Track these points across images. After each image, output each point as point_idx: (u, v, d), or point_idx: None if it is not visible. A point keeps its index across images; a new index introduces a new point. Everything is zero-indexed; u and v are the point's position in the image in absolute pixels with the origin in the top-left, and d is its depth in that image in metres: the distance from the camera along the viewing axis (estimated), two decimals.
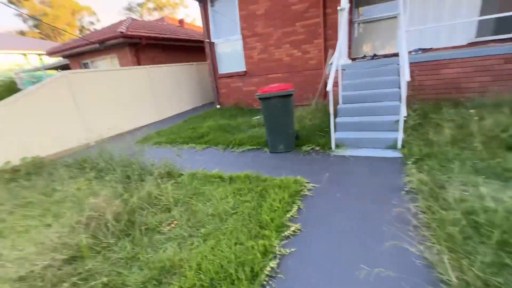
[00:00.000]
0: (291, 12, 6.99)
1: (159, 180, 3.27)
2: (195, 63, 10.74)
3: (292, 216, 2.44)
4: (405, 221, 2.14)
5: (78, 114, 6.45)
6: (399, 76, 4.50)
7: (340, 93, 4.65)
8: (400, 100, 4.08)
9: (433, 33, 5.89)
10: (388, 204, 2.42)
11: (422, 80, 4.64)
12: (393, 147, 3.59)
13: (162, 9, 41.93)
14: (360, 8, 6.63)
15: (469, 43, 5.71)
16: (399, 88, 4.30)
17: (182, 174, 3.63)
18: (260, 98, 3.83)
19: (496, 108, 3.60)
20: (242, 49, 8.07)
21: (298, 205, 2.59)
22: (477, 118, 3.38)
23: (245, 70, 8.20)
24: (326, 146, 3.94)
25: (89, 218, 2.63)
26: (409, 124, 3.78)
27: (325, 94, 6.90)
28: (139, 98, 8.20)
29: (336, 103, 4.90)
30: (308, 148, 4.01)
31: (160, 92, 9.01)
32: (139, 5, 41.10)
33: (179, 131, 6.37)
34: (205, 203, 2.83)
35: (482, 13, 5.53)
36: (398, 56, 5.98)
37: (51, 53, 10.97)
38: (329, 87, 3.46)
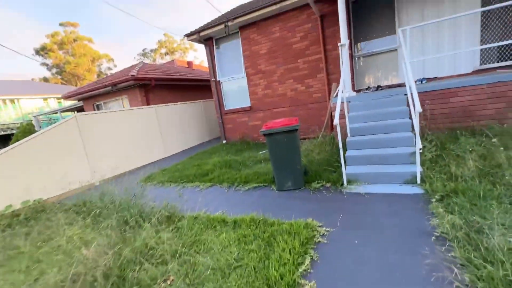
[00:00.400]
0: (292, 50, 7.27)
1: (158, 226, 3.02)
2: (202, 100, 11.08)
3: (305, 270, 2.09)
4: (442, 279, 1.77)
5: (86, 154, 6.48)
6: (407, 106, 4.37)
7: (348, 126, 4.50)
8: (412, 130, 3.88)
9: (436, 62, 5.90)
10: (417, 254, 2.07)
11: (433, 109, 4.47)
12: (412, 182, 3.28)
13: (173, 53, 45.48)
14: (359, 44, 6.84)
15: (474, 71, 5.65)
16: (410, 118, 4.13)
17: (183, 218, 3.37)
18: (264, 134, 3.70)
19: None
20: (246, 86, 8.29)
21: (311, 256, 2.25)
22: (502, 147, 3.10)
23: (250, 105, 8.31)
24: (338, 182, 3.66)
25: (76, 274, 2.35)
26: (427, 156, 3.51)
27: (331, 127, 6.79)
28: (147, 136, 8.29)
29: (344, 135, 4.74)
30: (318, 185, 3.74)
31: (167, 129, 9.15)
32: (152, 50, 44.81)
33: (184, 168, 6.23)
34: (206, 253, 2.52)
35: (483, 41, 5.56)
36: (402, 86, 5.97)
37: (66, 97, 11.62)
38: (336, 120, 3.32)
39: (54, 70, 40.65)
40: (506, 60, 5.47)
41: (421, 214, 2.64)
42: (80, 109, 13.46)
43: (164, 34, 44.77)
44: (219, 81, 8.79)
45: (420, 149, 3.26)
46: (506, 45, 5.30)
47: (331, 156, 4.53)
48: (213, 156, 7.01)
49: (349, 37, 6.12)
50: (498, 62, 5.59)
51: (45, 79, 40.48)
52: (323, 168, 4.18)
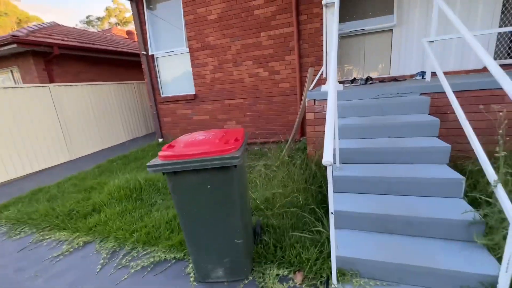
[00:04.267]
0: (253, 18, 5.11)
1: None
2: (135, 82, 8.33)
3: None
4: None
5: None
6: (431, 114, 2.64)
7: (335, 144, 2.62)
8: (450, 162, 2.15)
9: (441, 52, 4.32)
10: None
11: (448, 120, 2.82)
12: None
13: (125, 24, 39.13)
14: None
15: (485, 67, 4.18)
16: (438, 137, 2.39)
17: None
18: (167, 173, 1.58)
19: None
20: (190, 66, 5.94)
21: None
22: None
23: (194, 93, 6.02)
24: (320, 273, 1.76)
25: None
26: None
27: (301, 131, 4.94)
28: (33, 131, 5.48)
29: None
30: (275, 282, 1.79)
31: (75, 120, 6.37)
32: (99, 19, 37.94)
33: (68, 191, 3.81)
34: None
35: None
36: (399, 80, 4.31)
37: None
38: (327, 158, 1.31)
39: None
40: None
41: None
42: None
43: (112, 1, 38.18)
44: (152, 55, 6.25)
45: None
46: None
47: (304, 192, 2.64)
48: (128, 167, 4.66)
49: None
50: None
51: None
52: (290, 224, 2.26)
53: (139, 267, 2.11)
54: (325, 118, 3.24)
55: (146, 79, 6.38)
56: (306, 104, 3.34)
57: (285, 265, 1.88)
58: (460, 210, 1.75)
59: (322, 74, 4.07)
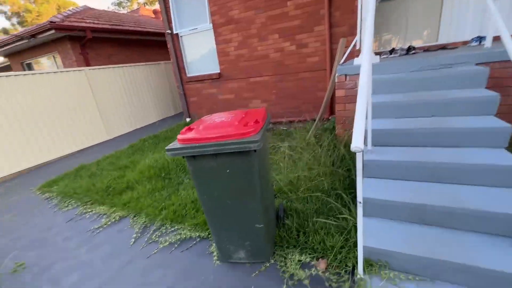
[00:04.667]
0: None
1: None
2: (162, 62, 8.44)
3: None
4: None
5: None
6: (488, 88, 2.23)
7: (367, 125, 2.38)
8: (507, 143, 1.82)
9: (506, 16, 3.55)
10: None
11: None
12: None
13: (154, 4, 39.29)
14: None
15: None
16: (495, 115, 2.02)
17: None
18: (186, 157, 1.56)
19: None
20: (214, 43, 5.78)
21: None
22: None
23: (219, 71, 5.91)
24: (344, 262, 1.68)
25: None
26: None
27: (330, 109, 4.63)
28: (75, 112, 5.94)
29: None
30: (297, 268, 1.74)
31: (109, 101, 6.76)
32: None
33: (106, 169, 4.12)
34: None
35: None
36: (448, 49, 3.70)
37: None
38: (356, 143, 1.14)
39: (15, 20, 34.94)
40: None
41: None
42: (5, 69, 10.52)
43: None
44: (177, 34, 6.19)
45: None
46: None
47: (331, 176, 2.49)
48: (158, 147, 4.87)
49: None
50: None
51: (5, 31, 34.94)
52: (315, 209, 2.17)
53: (167, 243, 2.23)
54: (356, 95, 2.98)
55: (172, 58, 6.40)
56: (336, 80, 3.05)
57: (307, 251, 1.82)
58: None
59: (355, 45, 3.65)
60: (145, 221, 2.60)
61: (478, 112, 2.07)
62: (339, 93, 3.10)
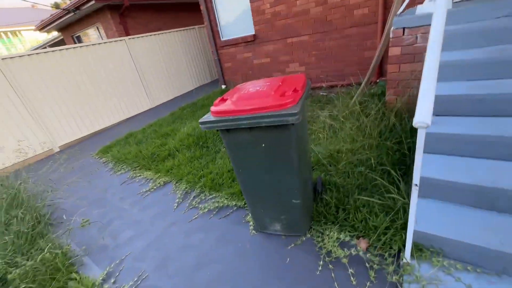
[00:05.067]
0: None
1: None
2: (196, 26, 8.22)
3: None
4: None
5: (30, 114, 4.87)
6: None
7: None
8: None
9: None
10: None
11: None
12: None
13: None
14: None
15: None
16: None
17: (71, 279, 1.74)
18: (220, 130, 1.49)
19: None
20: (248, 0, 5.31)
21: None
22: None
23: (254, 33, 5.52)
24: (390, 245, 1.55)
25: None
26: None
27: (379, 71, 4.06)
28: (121, 83, 6.32)
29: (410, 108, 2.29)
30: (337, 245, 1.67)
31: (149, 71, 6.98)
32: None
33: (151, 137, 4.40)
34: None
35: None
36: None
37: (39, 28, 9.50)
38: (422, 117, 0.90)
39: None
40: None
41: None
42: (59, 43, 11.39)
43: None
44: None
45: None
46: None
47: (377, 149, 2.24)
48: (196, 115, 4.98)
49: None
50: None
51: (57, 5, 37.41)
52: (356, 185, 2.00)
53: (206, 210, 2.34)
54: (415, 54, 2.50)
55: (206, 22, 6.14)
56: (391, 35, 2.57)
57: (347, 228, 1.73)
58: None
59: None
60: (186, 188, 2.75)
61: None
62: (394, 51, 2.62)
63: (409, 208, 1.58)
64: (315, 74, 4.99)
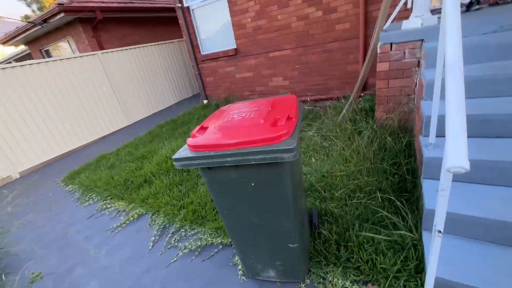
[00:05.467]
0: None
1: None
2: (176, 40, 7.99)
3: None
4: None
5: None
6: None
7: (421, 105, 1.87)
8: None
9: None
10: None
11: None
12: None
13: None
14: None
15: None
16: None
17: None
18: (202, 168, 1.22)
19: None
20: (228, 15, 5.19)
21: None
22: None
23: (235, 47, 5.38)
24: None
25: None
26: None
27: (364, 87, 4.01)
28: (94, 99, 5.86)
29: (406, 124, 2.20)
30: None
31: (125, 86, 6.58)
32: None
33: (125, 160, 4.00)
34: None
35: None
36: None
37: (4, 42, 8.79)
38: (459, 160, 0.71)
39: (35, 6, 35.54)
40: None
41: None
42: (26, 58, 10.63)
43: None
44: (188, 7, 5.65)
45: None
46: None
47: (373, 172, 2.06)
48: (176, 133, 4.65)
49: None
50: None
51: (27, 17, 35.77)
52: (356, 215, 1.80)
53: (187, 250, 2.02)
54: (404, 69, 2.39)
55: (185, 36, 5.93)
56: (379, 51, 2.47)
57: (351, 271, 1.49)
58: None
59: (406, 4, 2.93)
60: (163, 221, 2.41)
61: None
62: (382, 66, 2.53)
63: (420, 245, 1.39)
64: (299, 88, 4.89)
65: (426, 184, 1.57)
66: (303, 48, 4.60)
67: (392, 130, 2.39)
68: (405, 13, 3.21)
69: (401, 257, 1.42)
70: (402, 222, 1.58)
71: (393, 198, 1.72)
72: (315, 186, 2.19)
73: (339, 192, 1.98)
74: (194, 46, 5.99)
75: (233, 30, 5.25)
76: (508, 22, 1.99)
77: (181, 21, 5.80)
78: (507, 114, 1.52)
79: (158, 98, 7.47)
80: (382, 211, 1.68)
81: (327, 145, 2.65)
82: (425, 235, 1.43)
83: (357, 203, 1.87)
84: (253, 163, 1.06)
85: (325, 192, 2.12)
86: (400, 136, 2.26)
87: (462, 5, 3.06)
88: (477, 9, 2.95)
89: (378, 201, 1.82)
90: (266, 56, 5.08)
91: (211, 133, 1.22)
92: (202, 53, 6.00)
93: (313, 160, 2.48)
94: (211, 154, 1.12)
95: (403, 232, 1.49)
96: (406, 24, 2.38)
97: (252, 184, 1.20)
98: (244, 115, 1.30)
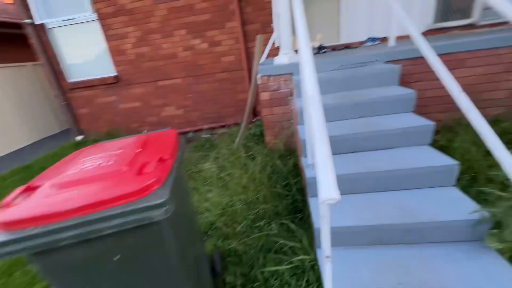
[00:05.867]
0: None
1: None
2: (30, 63, 6.27)
3: None
4: None
5: None
6: (401, 85, 2.30)
7: (298, 131, 2.10)
8: (431, 143, 1.86)
9: (386, 17, 4.09)
10: None
11: (423, 90, 2.60)
12: None
13: None
14: None
15: (428, 30, 4.16)
16: (414, 112, 2.08)
17: None
18: (35, 252, 0.78)
19: None
20: (103, 39, 4.53)
21: None
22: None
23: (116, 74, 4.71)
24: None
25: None
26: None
27: (254, 113, 4.34)
28: None
29: (289, 146, 2.39)
30: None
31: None
32: None
33: None
34: None
35: None
36: (351, 48, 3.97)
37: None
38: (330, 192, 0.71)
39: None
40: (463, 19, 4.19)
41: None
42: None
43: None
44: (42, 25, 4.56)
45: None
46: None
47: (271, 197, 2.10)
48: None
49: None
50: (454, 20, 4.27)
51: None
52: (260, 247, 1.72)
53: None
54: (282, 98, 2.67)
55: (42, 59, 4.71)
56: (259, 82, 2.69)
57: None
58: (456, 205, 1.45)
59: (274, 43, 3.40)
60: None
61: (399, 109, 2.09)
62: (264, 96, 2.76)
63: (317, 265, 1.43)
64: (195, 117, 4.76)
65: (312, 202, 1.70)
66: (194, 78, 4.57)
67: (280, 153, 2.58)
68: (278, 50, 3.76)
69: (303, 283, 1.41)
70: (299, 244, 1.61)
71: (286, 222, 1.77)
72: (215, 224, 2.00)
73: (241, 225, 1.87)
74: (56, 72, 4.83)
75: (111, 56, 4.61)
76: (344, 62, 2.61)
77: (34, 40, 4.60)
78: (351, 134, 1.89)
79: (4, 138, 5.45)
80: (278, 239, 1.67)
81: (223, 175, 2.56)
82: (319, 252, 1.51)
83: (259, 234, 1.81)
84: (108, 232, 0.76)
85: (227, 227, 1.96)
86: (287, 158, 2.45)
87: (314, 48, 3.89)
88: (324, 52, 3.81)
89: (278, 226, 1.82)
90: (155, 84, 4.71)
91: (40, 197, 0.82)
92: (70, 81, 4.91)
93: (210, 195, 2.31)
94: (39, 232, 0.74)
95: (300, 256, 1.51)
96: (277, 60, 2.72)
97: (118, 256, 0.87)
98: (101, 161, 0.98)
